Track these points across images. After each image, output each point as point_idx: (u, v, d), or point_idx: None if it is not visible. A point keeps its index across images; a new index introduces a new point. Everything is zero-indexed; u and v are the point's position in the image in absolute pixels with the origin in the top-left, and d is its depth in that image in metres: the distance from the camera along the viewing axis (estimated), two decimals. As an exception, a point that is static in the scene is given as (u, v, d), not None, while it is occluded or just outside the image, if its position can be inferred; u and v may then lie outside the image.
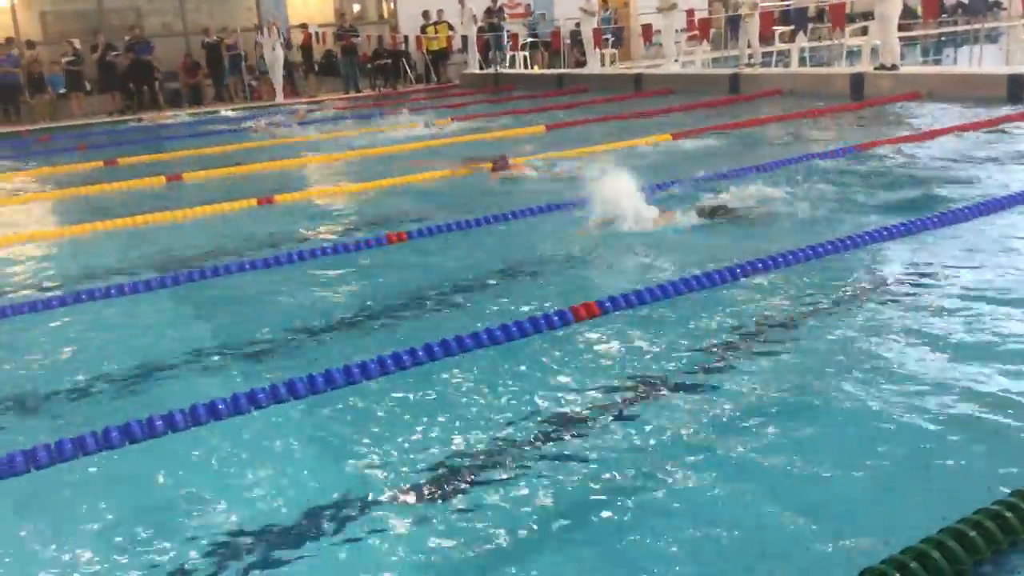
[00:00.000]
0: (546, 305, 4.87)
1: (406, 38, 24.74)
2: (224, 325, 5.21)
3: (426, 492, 3.15)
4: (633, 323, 4.59)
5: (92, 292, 5.80)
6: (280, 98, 21.66)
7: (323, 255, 6.49)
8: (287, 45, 22.59)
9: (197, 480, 3.36)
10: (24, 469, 3.40)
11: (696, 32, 20.30)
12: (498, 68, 22.71)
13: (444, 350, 4.22)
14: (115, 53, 21.05)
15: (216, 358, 4.64)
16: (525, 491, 3.09)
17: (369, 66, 24.10)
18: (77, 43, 20.74)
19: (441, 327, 4.69)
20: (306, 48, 23.74)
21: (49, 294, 5.98)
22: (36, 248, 7.70)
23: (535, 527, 2.87)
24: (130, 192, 10.21)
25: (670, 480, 3.08)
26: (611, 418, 3.60)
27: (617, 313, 4.67)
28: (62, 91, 20.77)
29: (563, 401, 3.79)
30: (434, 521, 2.95)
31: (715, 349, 4.23)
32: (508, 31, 23.54)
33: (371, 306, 5.36)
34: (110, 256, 7.12)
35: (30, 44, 20.77)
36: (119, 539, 3.00)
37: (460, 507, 3.03)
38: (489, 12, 23.07)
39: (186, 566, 2.81)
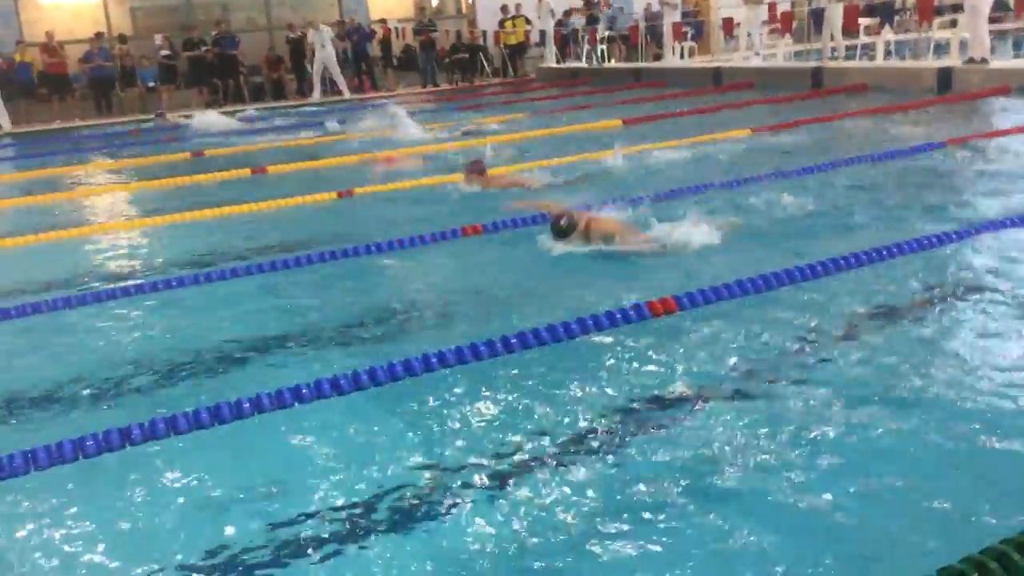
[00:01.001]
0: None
1: (484, 32, 24.87)
2: (311, 310, 5.36)
3: (512, 479, 3.21)
4: (706, 318, 4.58)
5: (182, 279, 6.02)
6: (317, 95, 21.86)
7: (400, 248, 6.59)
8: (365, 37, 22.86)
9: (290, 458, 3.49)
10: (120, 445, 3.56)
11: (778, 25, 19.96)
12: (597, 61, 22.58)
13: (521, 342, 4.28)
14: (203, 48, 21.65)
15: (296, 345, 4.78)
16: (609, 480, 3.13)
17: (447, 60, 24.30)
18: (161, 38, 21.43)
19: (506, 323, 4.75)
20: (385, 43, 24.05)
21: (140, 280, 6.22)
22: (128, 236, 8.01)
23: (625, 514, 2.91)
24: (217, 183, 10.47)
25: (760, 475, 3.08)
26: (705, 409, 3.61)
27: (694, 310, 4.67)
28: (151, 84, 21.43)
29: (641, 394, 3.81)
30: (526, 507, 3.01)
31: (800, 346, 4.20)
32: (585, 25, 23.46)
33: (443, 300, 5.44)
34: (197, 244, 7.37)
35: (122, 38, 21.50)
36: (201, 513, 3.13)
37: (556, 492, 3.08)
38: (587, 3, 22.86)
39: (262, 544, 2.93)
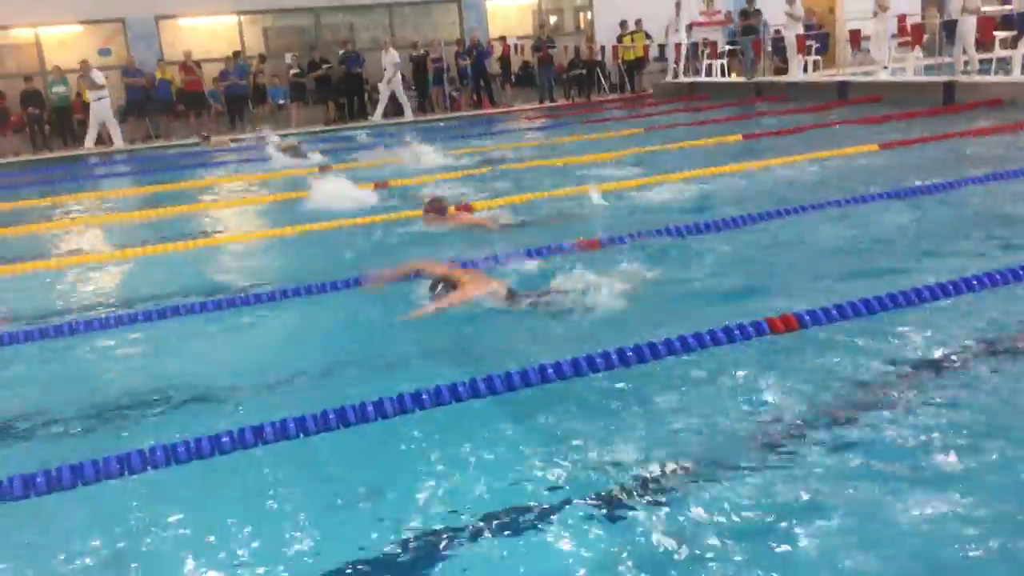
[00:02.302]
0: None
1: (602, 48, 24.91)
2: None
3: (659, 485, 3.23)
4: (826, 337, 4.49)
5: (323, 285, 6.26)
6: (378, 117, 22.08)
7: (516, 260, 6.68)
8: (484, 54, 23.20)
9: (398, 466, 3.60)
10: (230, 448, 3.75)
11: (908, 38, 19.28)
12: (718, 75, 22.28)
13: (637, 356, 4.29)
14: (327, 66, 22.41)
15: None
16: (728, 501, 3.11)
17: (564, 76, 24.44)
18: (291, 57, 22.31)
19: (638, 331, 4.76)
20: (504, 59, 24.38)
21: (268, 288, 6.50)
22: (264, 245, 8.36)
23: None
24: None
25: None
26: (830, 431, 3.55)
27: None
28: (281, 102, 22.31)
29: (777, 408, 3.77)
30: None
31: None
32: (707, 39, 23.21)
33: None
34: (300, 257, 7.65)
35: (262, 58, 22.48)
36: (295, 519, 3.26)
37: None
38: (744, 14, 22.50)
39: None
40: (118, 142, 20.02)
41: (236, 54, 22.03)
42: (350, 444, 3.80)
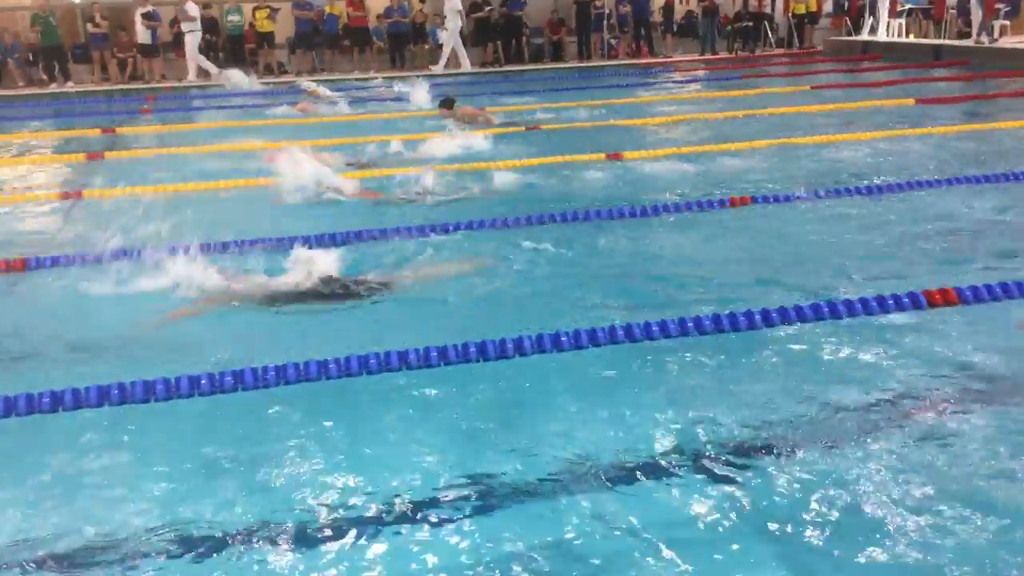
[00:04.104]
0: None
1: (772, 0, 23.91)
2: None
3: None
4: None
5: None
6: (440, 68, 21.10)
7: (664, 212, 6.60)
8: (645, 1, 22.62)
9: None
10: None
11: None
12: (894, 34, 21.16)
13: (781, 316, 4.18)
14: (489, 8, 22.44)
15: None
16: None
17: (729, 28, 23.64)
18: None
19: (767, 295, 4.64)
20: (667, 7, 23.78)
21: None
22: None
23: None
24: (496, 137, 10.70)
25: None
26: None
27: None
28: (440, 43, 22.53)
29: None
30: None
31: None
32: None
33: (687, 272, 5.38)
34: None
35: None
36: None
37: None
38: None
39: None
40: (192, 75, 20.08)
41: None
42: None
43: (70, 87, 19.62)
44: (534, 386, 3.83)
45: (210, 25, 21.15)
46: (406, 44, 22.34)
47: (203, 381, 3.69)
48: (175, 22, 20.69)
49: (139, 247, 5.30)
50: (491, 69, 21.46)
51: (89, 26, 20.82)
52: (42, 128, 14.05)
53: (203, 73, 20.00)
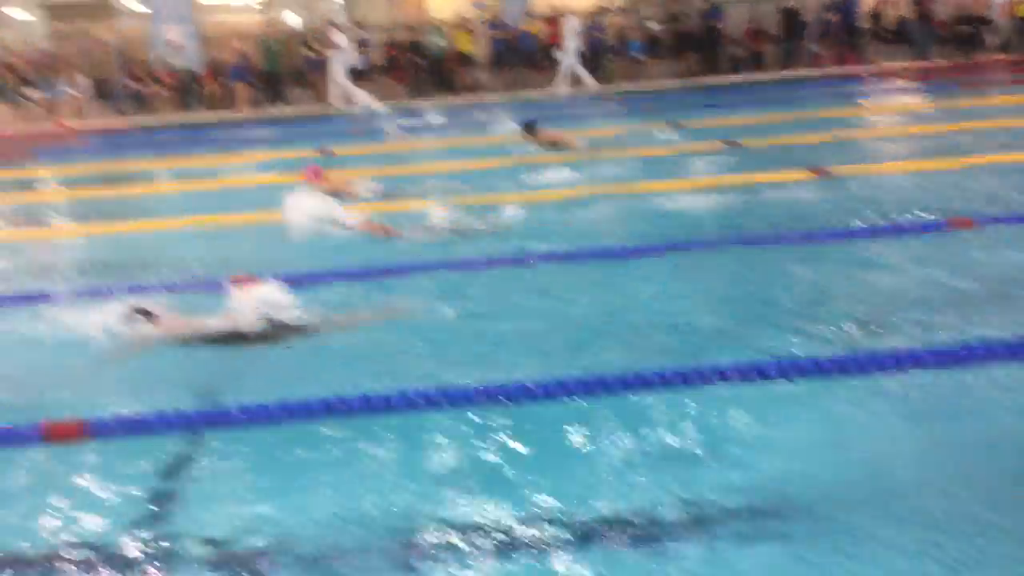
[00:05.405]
0: None
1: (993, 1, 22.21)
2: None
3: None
4: None
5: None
6: (562, 88, 20.15)
7: (872, 235, 6.27)
8: (852, 5, 21.54)
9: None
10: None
11: None
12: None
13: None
14: (687, 19, 22.21)
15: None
16: None
17: (946, 34, 22.12)
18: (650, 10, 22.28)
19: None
20: (876, 14, 22.63)
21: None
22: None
23: None
24: (685, 155, 10.41)
25: None
26: None
27: None
28: (639, 55, 22.45)
29: None
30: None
31: None
32: None
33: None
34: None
35: (620, 11, 22.76)
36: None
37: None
38: None
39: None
40: (336, 101, 19.65)
41: (603, 9, 22.44)
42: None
43: (289, 110, 21.03)
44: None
45: (416, 47, 22.10)
46: (603, 58, 22.33)
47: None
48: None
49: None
50: (687, 81, 21.17)
51: (303, 50, 22.28)
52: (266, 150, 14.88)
53: (346, 99, 19.53)
